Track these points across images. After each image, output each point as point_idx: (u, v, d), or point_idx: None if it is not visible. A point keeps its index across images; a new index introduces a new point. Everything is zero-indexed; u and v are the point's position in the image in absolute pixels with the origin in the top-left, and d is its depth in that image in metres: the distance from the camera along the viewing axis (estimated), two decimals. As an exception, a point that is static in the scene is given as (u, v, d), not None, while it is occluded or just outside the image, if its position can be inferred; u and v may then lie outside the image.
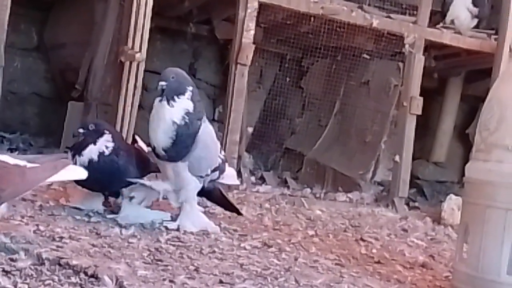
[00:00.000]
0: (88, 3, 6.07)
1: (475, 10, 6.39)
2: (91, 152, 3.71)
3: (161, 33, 6.67)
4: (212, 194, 4.01)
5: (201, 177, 3.71)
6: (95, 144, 3.73)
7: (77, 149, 3.76)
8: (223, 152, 3.99)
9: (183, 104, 3.57)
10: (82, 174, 3.04)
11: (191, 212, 3.73)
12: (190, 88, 3.62)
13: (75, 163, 3.67)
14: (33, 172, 2.81)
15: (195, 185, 3.71)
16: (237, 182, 4.38)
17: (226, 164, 4.03)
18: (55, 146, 5.91)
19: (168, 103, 3.55)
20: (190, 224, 3.69)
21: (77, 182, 3.67)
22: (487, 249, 2.99)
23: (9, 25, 5.09)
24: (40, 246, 2.87)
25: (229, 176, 4.10)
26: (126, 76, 5.06)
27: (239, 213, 4.23)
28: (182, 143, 3.57)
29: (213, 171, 3.76)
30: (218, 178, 3.86)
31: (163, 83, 3.57)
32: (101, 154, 3.72)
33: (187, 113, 3.57)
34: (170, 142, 3.56)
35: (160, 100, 3.57)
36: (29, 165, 2.80)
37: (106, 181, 3.71)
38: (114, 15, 5.61)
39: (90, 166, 3.64)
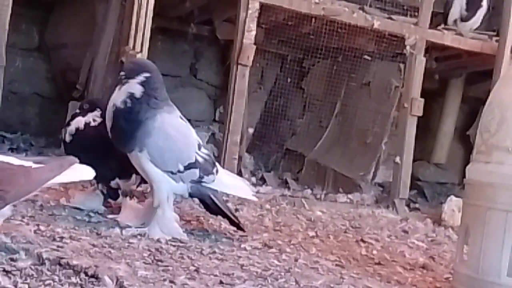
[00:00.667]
0: (89, 4, 6.07)
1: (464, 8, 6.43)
2: (78, 122, 3.80)
3: (162, 34, 6.67)
4: (204, 203, 3.75)
5: (172, 173, 3.49)
6: (83, 116, 3.82)
7: (67, 123, 3.86)
8: (205, 150, 3.66)
9: (129, 88, 3.49)
10: (89, 173, 2.99)
11: (162, 217, 3.51)
12: (146, 74, 3.52)
13: (65, 134, 3.79)
14: (39, 172, 2.77)
15: (167, 185, 3.50)
16: (252, 197, 3.94)
17: (223, 169, 3.78)
18: (56, 146, 5.90)
19: (119, 88, 3.53)
20: (158, 230, 3.49)
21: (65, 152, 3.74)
22: (488, 251, 2.99)
23: (10, 25, 5.08)
24: (41, 246, 2.87)
25: (238, 188, 3.80)
26: (127, 76, 5.05)
27: (239, 228, 3.88)
28: (120, 127, 3.45)
29: (187, 168, 3.51)
30: (202, 179, 3.57)
31: (121, 72, 3.59)
32: (87, 124, 3.78)
33: (130, 97, 3.46)
34: (110, 125, 3.51)
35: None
36: (34, 165, 2.78)
37: (90, 150, 3.63)
38: (115, 15, 5.61)
39: (76, 134, 3.76)
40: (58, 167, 2.84)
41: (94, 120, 3.80)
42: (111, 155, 3.68)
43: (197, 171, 3.53)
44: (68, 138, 3.81)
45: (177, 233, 3.52)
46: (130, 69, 3.59)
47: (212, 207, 3.75)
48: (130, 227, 3.55)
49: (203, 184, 3.59)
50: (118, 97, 3.50)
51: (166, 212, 3.52)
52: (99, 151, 3.68)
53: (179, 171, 3.50)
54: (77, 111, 3.90)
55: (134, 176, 3.80)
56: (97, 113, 3.81)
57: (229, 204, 4.72)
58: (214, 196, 3.65)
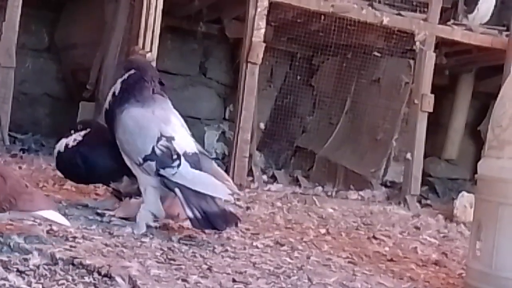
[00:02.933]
0: (99, 4, 6.08)
1: None
2: (61, 144, 3.87)
3: (171, 33, 6.68)
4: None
5: (136, 164, 3.53)
6: (67, 137, 3.87)
7: (56, 141, 3.97)
8: (164, 142, 3.52)
9: (113, 88, 3.72)
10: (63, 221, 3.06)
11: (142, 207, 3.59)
12: (131, 71, 3.69)
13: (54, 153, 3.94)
14: (15, 184, 2.87)
15: (142, 176, 3.55)
16: (225, 196, 3.60)
17: (185, 165, 3.53)
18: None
19: None
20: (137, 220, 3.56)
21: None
22: (501, 246, 2.98)
23: (20, 26, 5.11)
24: (54, 246, 2.88)
25: (206, 185, 3.53)
26: (137, 76, 5.07)
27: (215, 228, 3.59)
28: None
29: (145, 160, 3.49)
30: (159, 172, 3.48)
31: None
32: (66, 146, 3.85)
33: (112, 95, 3.68)
34: None
35: None
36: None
37: (73, 170, 3.83)
38: (124, 15, 5.62)
39: (58, 156, 3.88)
40: (39, 196, 2.99)
41: (74, 140, 3.85)
42: (94, 167, 3.78)
43: (153, 163, 3.50)
44: (55, 156, 3.93)
45: (138, 226, 3.51)
46: (124, 67, 3.81)
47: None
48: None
49: (166, 177, 3.51)
50: (107, 99, 3.71)
51: (144, 203, 3.56)
52: (81, 168, 3.79)
53: (140, 163, 3.52)
54: (71, 132, 3.92)
55: (125, 177, 3.79)
56: (82, 132, 3.88)
57: (240, 203, 4.74)
58: (180, 191, 3.50)
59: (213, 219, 3.44)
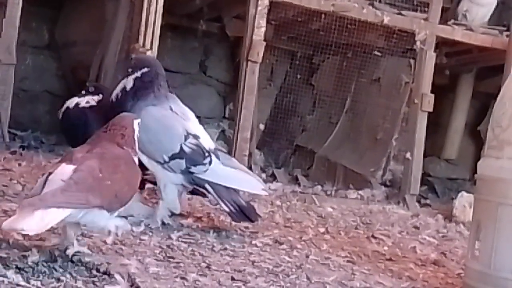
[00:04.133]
0: (99, 1, 6.08)
1: None
2: (72, 101, 3.88)
3: (171, 31, 6.68)
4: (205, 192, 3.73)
5: (161, 163, 3.54)
6: (79, 97, 3.90)
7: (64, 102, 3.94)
8: (192, 140, 3.58)
9: (124, 82, 3.64)
10: None
11: (160, 204, 3.63)
12: (144, 69, 3.63)
13: (59, 111, 3.93)
14: None
15: (162, 174, 3.56)
16: (261, 191, 3.86)
17: (216, 162, 3.62)
18: (67, 144, 5.91)
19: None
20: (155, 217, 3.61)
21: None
22: (500, 246, 2.98)
23: (21, 23, 5.11)
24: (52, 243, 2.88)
25: (240, 181, 3.69)
26: (137, 73, 5.07)
27: (249, 220, 3.79)
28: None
29: (172, 158, 3.53)
30: (190, 170, 3.54)
31: (129, 68, 3.73)
32: (77, 104, 3.85)
33: (122, 90, 3.60)
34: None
35: None
36: None
37: (72, 130, 3.79)
38: (125, 12, 5.62)
39: (64, 112, 3.86)
40: None
41: (87, 102, 3.85)
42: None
43: (183, 161, 3.55)
44: (60, 115, 3.93)
45: (153, 221, 3.57)
46: (133, 65, 3.73)
47: (211, 198, 3.75)
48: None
49: (195, 174, 3.58)
50: (114, 91, 3.66)
51: (163, 200, 3.61)
52: (78, 132, 3.72)
53: (165, 162, 3.54)
54: (83, 92, 3.97)
55: None
56: (95, 97, 3.88)
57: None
58: (211, 187, 3.61)
59: (247, 212, 3.65)
